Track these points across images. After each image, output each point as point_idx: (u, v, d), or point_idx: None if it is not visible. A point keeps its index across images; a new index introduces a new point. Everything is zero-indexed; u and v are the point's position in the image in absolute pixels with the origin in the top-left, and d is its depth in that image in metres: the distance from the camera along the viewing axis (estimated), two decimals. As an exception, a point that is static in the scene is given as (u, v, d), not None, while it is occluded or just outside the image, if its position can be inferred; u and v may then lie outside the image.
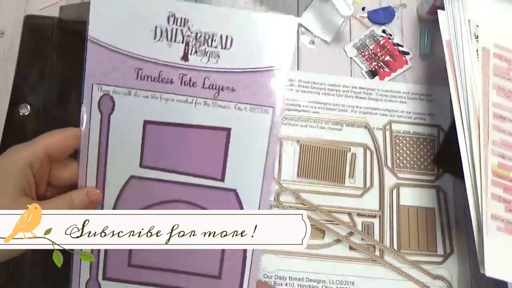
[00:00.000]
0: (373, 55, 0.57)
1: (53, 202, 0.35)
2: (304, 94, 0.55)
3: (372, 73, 0.56)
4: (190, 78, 0.36)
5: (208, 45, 0.36)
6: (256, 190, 0.37)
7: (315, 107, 0.54)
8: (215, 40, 0.36)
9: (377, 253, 0.50)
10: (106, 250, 0.39)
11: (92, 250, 0.39)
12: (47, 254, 0.47)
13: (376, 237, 0.50)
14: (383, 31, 0.58)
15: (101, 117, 0.36)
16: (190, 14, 0.35)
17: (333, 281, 0.49)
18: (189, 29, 0.36)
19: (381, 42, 0.58)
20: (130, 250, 0.39)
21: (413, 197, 0.52)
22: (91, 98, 0.36)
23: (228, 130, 0.37)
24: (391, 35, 0.58)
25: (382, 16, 0.58)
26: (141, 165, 0.37)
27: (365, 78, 0.56)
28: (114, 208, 0.38)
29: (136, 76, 0.36)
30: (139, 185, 0.37)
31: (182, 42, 0.36)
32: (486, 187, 0.44)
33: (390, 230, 0.51)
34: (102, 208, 0.38)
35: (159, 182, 0.37)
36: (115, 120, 0.36)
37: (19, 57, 0.53)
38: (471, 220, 0.44)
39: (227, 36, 0.35)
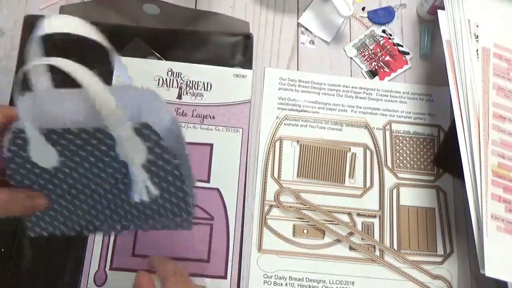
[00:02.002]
0: (373, 55, 0.57)
1: None
2: (304, 94, 0.55)
3: (372, 73, 0.56)
4: (183, 110, 0.52)
5: (195, 89, 0.53)
6: (234, 188, 0.50)
7: (315, 107, 0.54)
8: (199, 86, 0.53)
9: (377, 253, 0.50)
10: (114, 243, 0.47)
11: (102, 243, 0.47)
12: (47, 254, 0.47)
13: (376, 237, 0.50)
14: (383, 31, 0.58)
15: None
16: (182, 69, 0.53)
17: (333, 281, 0.49)
18: (182, 79, 0.53)
19: (381, 42, 0.58)
20: (135, 241, 0.47)
21: (413, 197, 0.52)
22: None
23: (211, 145, 0.51)
24: (391, 35, 0.58)
25: (382, 16, 0.58)
26: None
27: (365, 78, 0.56)
28: None
29: None
30: None
31: (177, 87, 0.53)
32: (486, 187, 0.44)
33: (390, 230, 0.51)
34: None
35: None
36: None
37: (19, 57, 0.53)
38: (471, 220, 0.44)
39: (207, 83, 0.53)
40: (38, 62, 0.30)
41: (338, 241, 0.50)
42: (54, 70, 0.32)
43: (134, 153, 0.31)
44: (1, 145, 0.31)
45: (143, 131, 0.31)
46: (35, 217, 0.35)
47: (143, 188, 0.33)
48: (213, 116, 0.52)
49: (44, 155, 0.32)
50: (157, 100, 0.34)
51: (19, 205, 0.33)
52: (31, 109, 0.30)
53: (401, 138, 0.54)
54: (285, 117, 0.54)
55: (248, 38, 0.56)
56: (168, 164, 0.33)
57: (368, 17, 0.58)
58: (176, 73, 0.53)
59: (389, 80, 0.56)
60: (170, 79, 0.53)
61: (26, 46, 0.33)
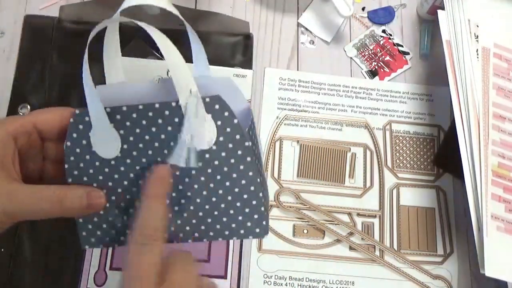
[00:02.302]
0: (373, 55, 0.57)
1: (34, 191, 0.30)
2: (304, 94, 0.55)
3: (372, 73, 0.56)
4: None
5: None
6: None
7: (315, 107, 0.54)
8: None
9: (377, 253, 0.50)
10: None
11: None
12: (47, 254, 0.47)
13: (376, 237, 0.50)
14: (383, 31, 0.58)
15: None
16: None
17: (333, 281, 0.49)
18: None
19: (381, 42, 0.58)
20: None
21: (413, 197, 0.52)
22: None
23: None
24: (391, 35, 0.58)
25: (382, 16, 0.58)
26: None
27: (365, 78, 0.56)
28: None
29: None
30: None
31: None
32: (486, 187, 0.44)
33: (390, 230, 0.51)
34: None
35: None
36: None
37: (19, 57, 0.53)
38: (471, 220, 0.44)
39: None
40: (121, 20, 0.29)
41: (338, 241, 0.50)
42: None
43: (201, 130, 0.28)
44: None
45: (215, 106, 0.28)
46: (91, 224, 0.32)
47: (184, 152, 0.29)
48: None
49: (107, 141, 0.29)
50: (233, 88, 0.31)
51: (76, 203, 0.30)
52: (91, 83, 0.28)
53: (401, 138, 0.54)
54: (285, 117, 0.54)
55: (248, 38, 0.56)
56: (241, 148, 0.29)
57: (368, 17, 0.59)
58: None
59: (389, 80, 0.56)
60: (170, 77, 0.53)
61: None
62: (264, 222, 0.32)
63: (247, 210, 0.31)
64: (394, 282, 0.49)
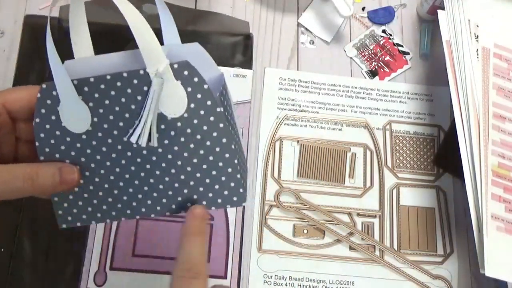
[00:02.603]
0: (373, 55, 0.57)
1: (4, 169, 0.29)
2: (304, 94, 0.55)
3: (372, 73, 0.56)
4: None
5: None
6: None
7: (315, 107, 0.54)
8: None
9: (377, 253, 0.50)
10: (114, 243, 0.47)
11: (102, 243, 0.46)
12: (47, 254, 0.47)
13: (376, 237, 0.50)
14: (383, 31, 0.58)
15: None
16: None
17: (333, 281, 0.49)
18: None
19: (381, 42, 0.58)
20: (135, 241, 0.47)
21: (413, 197, 0.52)
22: None
23: None
24: (391, 35, 0.58)
25: (382, 16, 0.58)
26: None
27: (365, 78, 0.56)
28: None
29: None
30: None
31: None
32: (486, 187, 0.44)
33: (390, 230, 0.51)
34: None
35: None
36: None
37: (19, 57, 0.53)
38: (471, 220, 0.44)
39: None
40: None
41: (338, 241, 0.50)
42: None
43: (170, 100, 0.28)
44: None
45: (184, 73, 0.28)
46: (67, 202, 0.31)
47: (146, 130, 0.28)
48: None
49: (76, 115, 0.29)
50: (203, 54, 0.31)
51: (48, 180, 0.29)
52: (55, 54, 0.27)
53: (401, 138, 0.54)
54: (285, 117, 0.54)
55: (248, 38, 0.56)
56: (213, 114, 0.28)
57: (368, 17, 0.58)
58: None
59: (389, 80, 0.56)
60: None
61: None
62: (241, 190, 0.31)
63: (223, 178, 0.31)
64: (394, 282, 0.49)
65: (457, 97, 0.47)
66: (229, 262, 0.48)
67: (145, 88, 0.28)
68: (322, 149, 0.53)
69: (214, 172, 0.31)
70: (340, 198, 0.51)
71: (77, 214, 0.32)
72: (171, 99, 0.28)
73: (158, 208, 0.32)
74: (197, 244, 0.30)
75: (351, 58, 0.57)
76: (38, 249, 0.47)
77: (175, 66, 0.28)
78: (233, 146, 0.30)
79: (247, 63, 0.55)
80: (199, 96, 0.28)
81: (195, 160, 0.30)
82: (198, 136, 0.29)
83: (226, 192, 0.31)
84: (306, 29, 0.58)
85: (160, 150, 0.30)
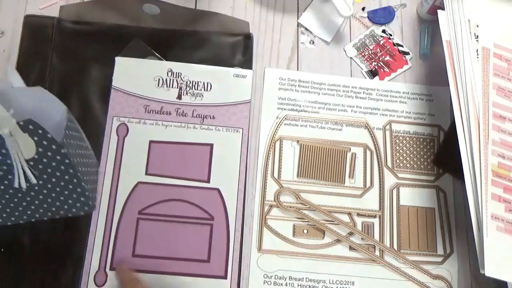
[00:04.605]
0: (373, 55, 0.57)
1: None
2: (304, 94, 0.55)
3: (372, 73, 0.56)
4: (183, 111, 0.52)
5: (195, 89, 0.53)
6: (234, 188, 0.50)
7: (315, 107, 0.54)
8: (199, 86, 0.53)
9: (377, 253, 0.50)
10: (115, 243, 0.47)
11: (102, 244, 0.47)
12: (47, 254, 0.47)
13: (376, 237, 0.50)
14: (383, 31, 0.58)
15: (118, 140, 0.50)
16: (182, 69, 0.53)
17: (333, 281, 0.49)
18: (182, 79, 0.53)
19: (381, 42, 0.58)
20: (135, 242, 0.48)
21: (413, 197, 0.52)
22: (111, 126, 0.51)
23: (211, 145, 0.51)
24: (391, 35, 0.58)
25: (382, 16, 0.58)
26: (146, 173, 0.50)
27: (365, 78, 0.56)
28: (124, 206, 0.48)
29: (145, 110, 0.52)
30: (144, 188, 0.49)
31: (177, 87, 0.53)
32: (486, 187, 0.44)
33: (390, 230, 0.51)
34: (114, 207, 0.48)
35: (160, 185, 0.49)
36: (128, 141, 0.50)
37: (19, 57, 0.53)
38: (471, 220, 0.44)
39: (207, 83, 0.53)
40: None
41: (338, 241, 0.50)
42: None
43: (22, 148, 0.34)
44: None
45: (29, 127, 0.34)
46: None
47: (21, 174, 0.36)
48: (213, 116, 0.52)
49: None
50: (46, 97, 0.37)
51: None
52: None
53: (401, 138, 0.54)
54: (285, 117, 0.54)
55: (248, 38, 0.56)
56: (58, 154, 0.36)
57: (368, 17, 0.59)
58: (176, 73, 0.53)
59: (389, 80, 0.56)
60: (170, 79, 0.53)
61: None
62: (90, 202, 0.41)
63: (74, 195, 0.39)
64: (394, 282, 0.49)
65: (457, 97, 0.47)
66: (229, 262, 0.48)
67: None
68: (322, 149, 0.53)
69: (66, 192, 0.39)
70: (340, 198, 0.51)
71: None
72: (23, 146, 0.35)
73: (24, 217, 0.41)
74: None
75: (351, 58, 0.57)
76: (38, 249, 0.47)
77: (21, 123, 0.34)
78: (79, 174, 0.38)
79: (247, 63, 0.55)
80: (45, 142, 0.35)
81: (49, 185, 0.38)
82: (49, 170, 0.37)
83: (78, 204, 0.41)
84: (306, 29, 0.58)
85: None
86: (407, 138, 0.54)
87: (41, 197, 0.38)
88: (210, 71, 0.54)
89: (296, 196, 0.51)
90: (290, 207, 0.50)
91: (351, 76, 0.56)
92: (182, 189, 0.49)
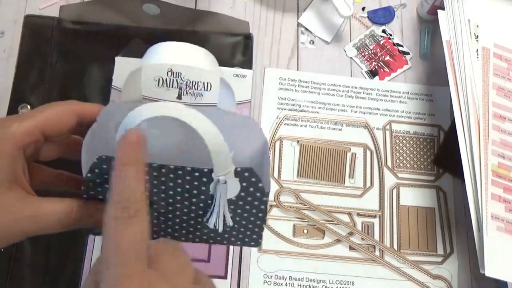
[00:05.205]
0: (373, 55, 0.57)
1: (50, 204, 0.29)
2: (304, 94, 0.55)
3: (372, 73, 0.56)
4: None
5: (195, 89, 0.50)
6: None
7: (315, 107, 0.54)
8: (199, 86, 0.50)
9: (377, 253, 0.50)
10: None
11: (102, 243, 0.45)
12: (47, 254, 0.47)
13: (376, 237, 0.50)
14: (383, 31, 0.58)
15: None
16: (182, 70, 0.51)
17: (333, 281, 0.49)
18: (182, 79, 0.50)
19: (381, 42, 0.58)
20: None
21: (413, 197, 0.52)
22: None
23: None
24: (391, 35, 0.58)
25: (382, 16, 0.58)
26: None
27: (365, 78, 0.56)
28: None
29: None
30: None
31: (177, 87, 0.50)
32: (486, 187, 0.44)
33: (390, 230, 0.51)
34: None
35: None
36: None
37: (19, 57, 0.53)
38: (471, 220, 0.44)
39: (207, 83, 0.50)
40: (147, 116, 0.28)
41: (338, 241, 0.50)
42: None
43: (226, 192, 0.31)
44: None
45: (244, 174, 0.31)
46: None
47: (220, 217, 0.32)
48: None
49: None
50: (253, 127, 0.34)
51: (90, 218, 0.30)
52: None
53: (401, 138, 0.54)
54: (285, 117, 0.54)
55: (248, 38, 0.56)
56: (257, 200, 0.32)
57: (368, 17, 0.59)
58: (176, 73, 0.53)
59: (389, 80, 0.56)
60: (170, 79, 0.53)
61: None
62: (260, 240, 0.36)
63: (249, 232, 0.36)
64: (394, 282, 0.49)
65: (457, 97, 0.47)
66: (229, 262, 0.48)
67: (204, 179, 0.31)
68: (322, 149, 0.53)
69: (243, 230, 0.36)
70: (340, 198, 0.51)
71: None
72: (229, 189, 0.31)
73: (197, 240, 0.36)
74: (132, 176, 0.25)
75: (351, 58, 0.57)
76: (38, 249, 0.47)
77: (238, 169, 0.30)
78: (265, 218, 0.34)
79: (247, 63, 0.55)
80: (251, 189, 0.32)
81: (237, 218, 0.35)
82: (239, 211, 0.34)
83: (247, 240, 0.37)
84: (306, 29, 0.58)
85: (201, 212, 0.34)
86: (407, 138, 0.54)
87: (218, 234, 0.36)
88: (209, 71, 0.53)
89: (296, 196, 0.51)
90: (290, 207, 0.50)
91: (351, 76, 0.56)
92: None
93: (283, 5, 0.58)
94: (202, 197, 0.32)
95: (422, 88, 0.56)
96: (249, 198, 0.32)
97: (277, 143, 0.53)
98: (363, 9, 0.59)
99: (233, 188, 0.31)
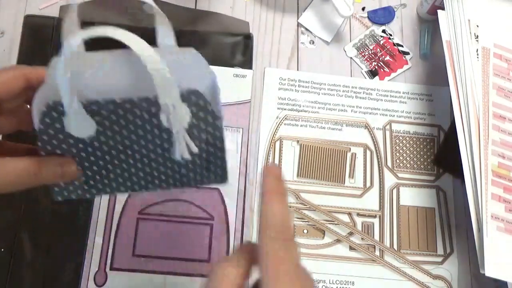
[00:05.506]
0: (373, 55, 0.57)
1: (11, 162, 0.30)
2: (304, 94, 0.55)
3: (372, 73, 0.56)
4: None
5: None
6: (234, 188, 0.50)
7: (315, 107, 0.54)
8: None
9: (377, 253, 0.50)
10: (115, 243, 0.47)
11: (102, 244, 0.47)
12: (47, 254, 0.47)
13: (376, 237, 0.50)
14: (383, 31, 0.58)
15: None
16: None
17: (333, 281, 0.49)
18: None
19: (381, 42, 0.58)
20: (135, 242, 0.47)
21: (413, 197, 0.52)
22: None
23: None
24: (391, 35, 0.58)
25: (382, 16, 0.58)
26: None
27: (365, 78, 0.56)
28: (124, 206, 0.48)
29: None
30: None
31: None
32: (486, 187, 0.44)
33: (390, 230, 0.51)
34: (113, 207, 0.48)
35: None
36: None
37: (19, 57, 0.53)
38: (471, 220, 0.44)
39: None
40: (85, 35, 0.28)
41: (338, 241, 0.50)
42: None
43: (178, 119, 0.31)
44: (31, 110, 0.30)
45: (191, 97, 0.31)
46: (65, 188, 0.34)
47: (184, 146, 0.32)
48: None
49: (81, 126, 0.31)
50: (200, 61, 0.34)
51: (50, 174, 0.31)
52: (67, 77, 0.28)
53: (401, 138, 0.54)
54: (285, 117, 0.54)
55: (248, 38, 0.56)
56: (211, 126, 0.33)
57: (368, 17, 0.59)
58: None
59: (389, 80, 0.56)
60: None
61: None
62: (226, 175, 0.36)
63: (213, 168, 0.36)
64: (394, 282, 0.49)
65: (457, 97, 0.47)
66: (229, 262, 0.48)
67: (153, 109, 0.31)
68: (322, 149, 0.53)
69: (205, 164, 0.35)
70: (340, 198, 0.51)
71: (74, 190, 0.34)
72: (180, 116, 0.31)
73: (164, 184, 0.36)
74: (282, 205, 0.27)
75: (351, 58, 0.57)
76: (38, 249, 0.47)
77: (184, 93, 0.30)
78: (224, 146, 0.34)
79: (247, 63, 0.55)
80: (202, 114, 0.32)
81: (198, 152, 0.35)
82: (196, 142, 0.33)
83: (213, 176, 0.37)
84: (306, 29, 0.58)
85: (159, 150, 0.33)
86: (407, 138, 0.54)
87: (183, 171, 0.36)
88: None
89: (296, 196, 0.51)
90: (290, 207, 0.50)
91: (351, 76, 0.56)
92: (182, 189, 0.50)
93: (283, 5, 0.58)
94: (158, 132, 0.32)
95: (422, 88, 0.56)
96: (202, 125, 0.32)
97: (277, 143, 0.53)
98: (363, 9, 0.59)
99: (184, 114, 0.31)
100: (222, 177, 0.37)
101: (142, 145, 0.33)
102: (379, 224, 0.51)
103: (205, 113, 0.32)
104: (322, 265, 0.49)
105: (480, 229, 0.43)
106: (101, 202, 0.48)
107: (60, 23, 0.54)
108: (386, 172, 0.52)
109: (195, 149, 0.33)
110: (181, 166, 0.35)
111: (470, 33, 0.50)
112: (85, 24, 0.57)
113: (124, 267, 0.47)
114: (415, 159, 0.53)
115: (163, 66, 0.28)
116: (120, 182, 0.35)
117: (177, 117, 0.31)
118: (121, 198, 0.49)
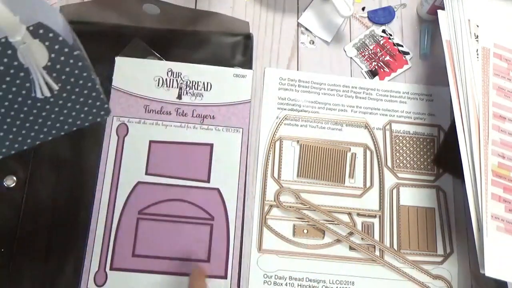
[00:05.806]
0: (373, 55, 0.57)
1: None
2: (304, 94, 0.55)
3: (372, 73, 0.56)
4: (183, 110, 0.52)
5: (195, 89, 0.53)
6: (234, 188, 0.50)
7: (315, 107, 0.54)
8: (199, 86, 0.53)
9: (377, 253, 0.50)
10: (114, 243, 0.47)
11: (102, 243, 0.47)
12: (47, 254, 0.47)
13: (376, 237, 0.50)
14: (383, 31, 0.58)
15: (118, 139, 0.51)
16: (182, 69, 0.53)
17: (333, 281, 0.49)
18: (181, 78, 0.53)
19: (381, 42, 0.58)
20: (135, 242, 0.48)
21: (413, 197, 0.52)
22: (111, 126, 0.51)
23: (211, 145, 0.51)
24: (391, 35, 0.58)
25: (382, 16, 0.58)
26: (146, 173, 0.50)
27: (365, 78, 0.56)
28: (124, 205, 0.49)
29: (145, 110, 0.52)
30: (144, 188, 0.49)
31: (177, 87, 0.53)
32: (486, 187, 0.44)
33: (390, 230, 0.51)
34: (114, 207, 0.48)
35: (160, 185, 0.50)
36: (128, 141, 0.51)
37: (19, 57, 0.53)
38: (471, 220, 0.44)
39: (207, 83, 0.53)
40: None
41: (338, 241, 0.50)
42: None
43: (35, 56, 0.31)
44: None
45: (39, 31, 0.31)
46: None
47: (42, 83, 0.33)
48: (213, 116, 0.52)
49: None
50: (46, 5, 0.34)
51: None
52: None
53: (401, 138, 0.54)
54: (285, 117, 0.54)
55: (248, 38, 0.56)
56: (71, 58, 0.33)
57: (368, 17, 0.59)
58: (176, 73, 0.53)
59: (389, 80, 0.56)
60: (170, 79, 0.53)
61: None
62: (105, 105, 0.37)
63: (90, 101, 0.36)
64: (394, 282, 0.49)
65: (457, 97, 0.47)
66: (229, 262, 0.48)
67: (9, 52, 0.32)
68: (322, 149, 0.53)
69: (82, 98, 0.36)
70: (340, 198, 0.51)
71: None
72: (36, 53, 0.32)
73: (41, 136, 0.37)
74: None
75: (351, 58, 0.57)
76: (38, 249, 0.47)
77: (31, 28, 0.31)
78: (93, 76, 0.35)
79: (247, 63, 0.55)
80: (57, 47, 0.33)
81: (64, 94, 0.36)
82: (64, 76, 0.34)
83: (95, 110, 0.37)
84: (306, 29, 0.58)
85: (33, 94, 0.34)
86: (407, 138, 0.54)
87: (57, 109, 0.36)
88: (210, 71, 0.54)
89: (296, 196, 0.51)
90: (290, 207, 0.50)
91: (351, 76, 0.56)
92: (182, 189, 0.50)
93: (283, 5, 0.58)
94: (18, 73, 0.33)
95: (422, 88, 0.56)
96: (62, 58, 0.33)
97: (277, 143, 0.53)
98: (363, 9, 0.59)
99: (40, 51, 0.32)
100: (102, 109, 0.37)
101: (12, 92, 0.34)
102: (379, 224, 0.51)
103: (60, 45, 0.32)
104: (322, 265, 0.49)
105: (480, 229, 0.43)
106: (101, 202, 0.48)
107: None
108: (386, 172, 0.52)
109: (54, 86, 0.33)
110: (52, 108, 0.35)
111: (470, 33, 0.50)
112: (84, 24, 0.57)
113: (124, 267, 0.47)
114: (415, 159, 0.53)
115: (5, 10, 0.28)
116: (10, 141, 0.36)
117: (31, 53, 0.31)
118: (121, 198, 0.49)
